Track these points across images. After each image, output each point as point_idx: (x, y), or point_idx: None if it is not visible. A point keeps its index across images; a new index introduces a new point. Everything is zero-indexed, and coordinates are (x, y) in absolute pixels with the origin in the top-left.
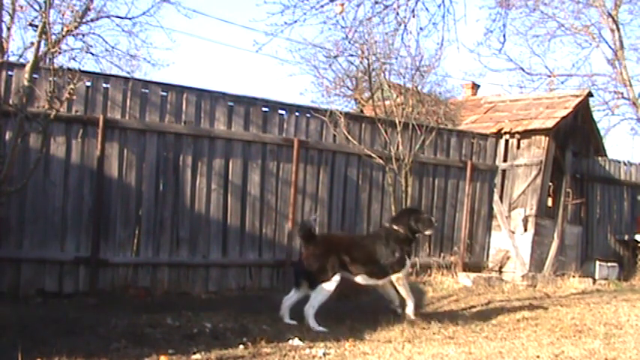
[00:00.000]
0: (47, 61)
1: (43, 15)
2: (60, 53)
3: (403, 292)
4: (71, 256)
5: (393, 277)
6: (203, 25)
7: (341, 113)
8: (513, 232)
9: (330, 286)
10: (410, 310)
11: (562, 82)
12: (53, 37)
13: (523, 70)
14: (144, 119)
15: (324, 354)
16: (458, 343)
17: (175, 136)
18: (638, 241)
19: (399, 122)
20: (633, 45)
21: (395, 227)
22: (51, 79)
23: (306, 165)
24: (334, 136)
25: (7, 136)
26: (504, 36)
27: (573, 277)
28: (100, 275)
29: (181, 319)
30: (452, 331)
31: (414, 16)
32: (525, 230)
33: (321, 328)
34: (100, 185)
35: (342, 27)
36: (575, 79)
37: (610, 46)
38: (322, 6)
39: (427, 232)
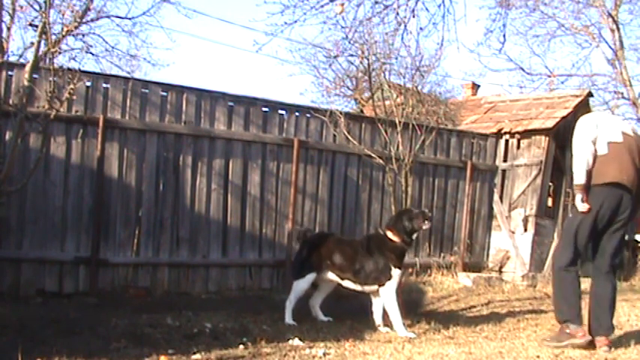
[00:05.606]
0: (47, 61)
1: (43, 15)
2: (60, 53)
3: (391, 307)
4: (71, 256)
5: (380, 289)
6: (203, 25)
7: (341, 113)
8: (513, 232)
9: (302, 283)
10: (397, 327)
11: (562, 82)
12: (53, 37)
13: (523, 70)
14: (144, 119)
15: (324, 354)
16: (458, 343)
17: (175, 136)
18: (638, 241)
19: (399, 122)
20: (633, 45)
21: (387, 233)
22: (51, 79)
23: (306, 165)
24: (334, 136)
25: (7, 136)
26: (504, 36)
27: None
28: (100, 275)
29: (181, 319)
30: (452, 331)
31: (414, 16)
32: (525, 230)
33: (291, 322)
34: (100, 185)
35: (342, 27)
36: (575, 79)
37: (610, 46)
38: (322, 6)
39: (424, 227)
